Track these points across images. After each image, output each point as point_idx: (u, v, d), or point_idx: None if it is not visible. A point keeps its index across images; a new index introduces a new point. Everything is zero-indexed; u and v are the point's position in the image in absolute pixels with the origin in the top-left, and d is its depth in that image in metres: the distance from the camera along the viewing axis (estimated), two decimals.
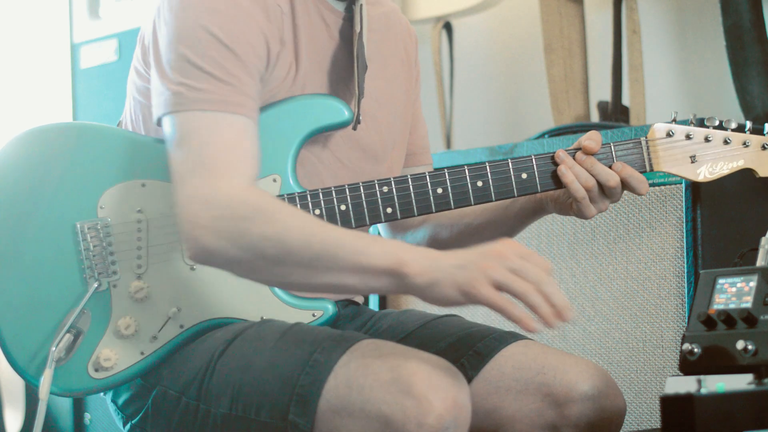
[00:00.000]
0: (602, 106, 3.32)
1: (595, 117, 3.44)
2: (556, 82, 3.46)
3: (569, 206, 2.13)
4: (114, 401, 2.13)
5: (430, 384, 1.83)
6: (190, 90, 1.95)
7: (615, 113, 3.29)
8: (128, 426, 2.12)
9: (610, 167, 2.10)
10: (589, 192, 2.10)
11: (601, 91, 3.45)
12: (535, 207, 2.19)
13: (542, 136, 2.96)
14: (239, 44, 1.97)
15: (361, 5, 2.15)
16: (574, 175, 2.09)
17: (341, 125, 2.11)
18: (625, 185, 2.10)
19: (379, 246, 1.86)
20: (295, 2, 2.10)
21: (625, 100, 3.32)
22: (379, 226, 2.36)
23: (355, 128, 2.12)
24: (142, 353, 2.05)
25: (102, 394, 2.16)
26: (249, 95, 1.98)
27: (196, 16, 1.97)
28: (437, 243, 2.28)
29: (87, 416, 3.34)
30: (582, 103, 3.45)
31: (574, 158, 2.10)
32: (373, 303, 2.99)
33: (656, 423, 2.58)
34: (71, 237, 2.06)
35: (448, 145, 3.72)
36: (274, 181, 2.08)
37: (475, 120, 3.87)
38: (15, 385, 3.70)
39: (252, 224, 1.88)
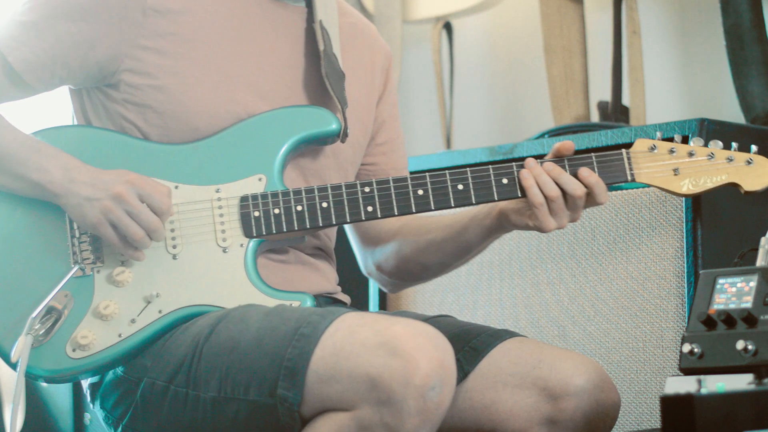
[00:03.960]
0: (602, 106, 3.32)
1: (595, 117, 3.44)
2: (556, 82, 3.46)
3: (527, 216, 2.14)
4: (103, 407, 2.15)
5: (417, 345, 1.85)
6: (6, 28, 2.12)
7: (615, 113, 3.29)
8: (119, 429, 2.13)
9: (575, 175, 2.11)
10: (552, 202, 2.10)
11: (601, 91, 3.45)
12: (492, 223, 2.21)
13: (542, 136, 2.95)
14: (69, 22, 2.10)
15: (321, 21, 2.19)
16: (540, 183, 2.11)
17: (328, 135, 2.17)
18: (589, 192, 2.11)
19: (36, 159, 2.07)
20: None
21: (625, 100, 3.32)
22: (352, 241, 2.41)
23: (343, 141, 2.16)
24: (119, 335, 2.08)
25: (91, 405, 2.18)
26: (41, 62, 2.11)
27: None
28: (402, 258, 2.33)
29: (87, 416, 3.34)
30: (582, 103, 3.44)
31: (542, 167, 2.12)
32: (373, 304, 2.99)
33: (656, 423, 2.58)
34: (61, 223, 2.11)
35: (448, 145, 3.72)
36: (260, 180, 2.13)
37: (475, 120, 3.87)
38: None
39: None
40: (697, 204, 2.53)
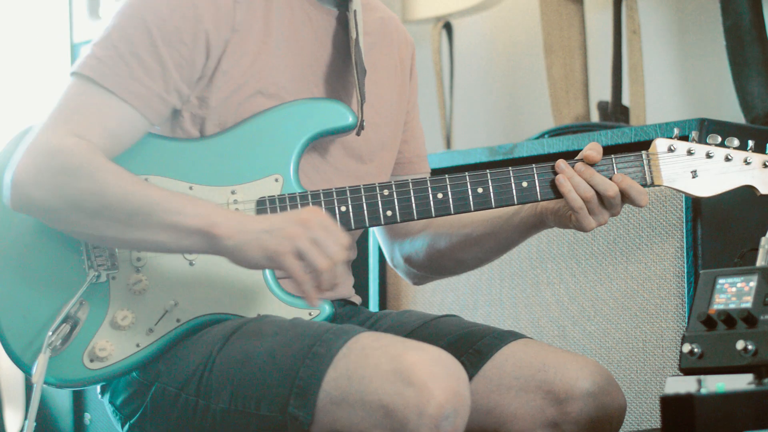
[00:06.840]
0: (602, 106, 3.32)
1: (595, 117, 3.44)
2: (556, 82, 3.46)
3: (568, 218, 2.13)
4: (112, 402, 2.14)
5: (431, 373, 1.84)
6: (100, 63, 2.02)
7: (615, 113, 3.29)
8: (126, 427, 2.12)
9: (610, 179, 2.11)
10: (588, 203, 2.10)
11: (601, 91, 3.45)
12: (536, 221, 2.19)
13: (542, 136, 2.95)
14: (169, 46, 2.03)
15: (355, 11, 2.16)
16: (573, 185, 2.10)
17: (345, 130, 2.13)
18: (624, 196, 2.11)
19: (192, 207, 1.96)
20: None
21: (625, 100, 3.32)
22: (378, 232, 2.38)
23: (358, 134, 2.14)
24: (137, 345, 2.06)
25: (99, 396, 2.17)
26: (154, 93, 2.03)
27: (142, 8, 2.05)
28: (436, 252, 2.29)
29: (87, 416, 3.34)
30: (582, 103, 3.45)
31: (574, 168, 2.11)
32: (373, 304, 2.99)
33: (656, 423, 2.59)
34: None
35: (448, 145, 3.72)
36: (276, 180, 2.10)
37: (475, 120, 3.87)
38: (15, 385, 3.70)
39: (74, 178, 1.96)
40: (697, 204, 2.53)
